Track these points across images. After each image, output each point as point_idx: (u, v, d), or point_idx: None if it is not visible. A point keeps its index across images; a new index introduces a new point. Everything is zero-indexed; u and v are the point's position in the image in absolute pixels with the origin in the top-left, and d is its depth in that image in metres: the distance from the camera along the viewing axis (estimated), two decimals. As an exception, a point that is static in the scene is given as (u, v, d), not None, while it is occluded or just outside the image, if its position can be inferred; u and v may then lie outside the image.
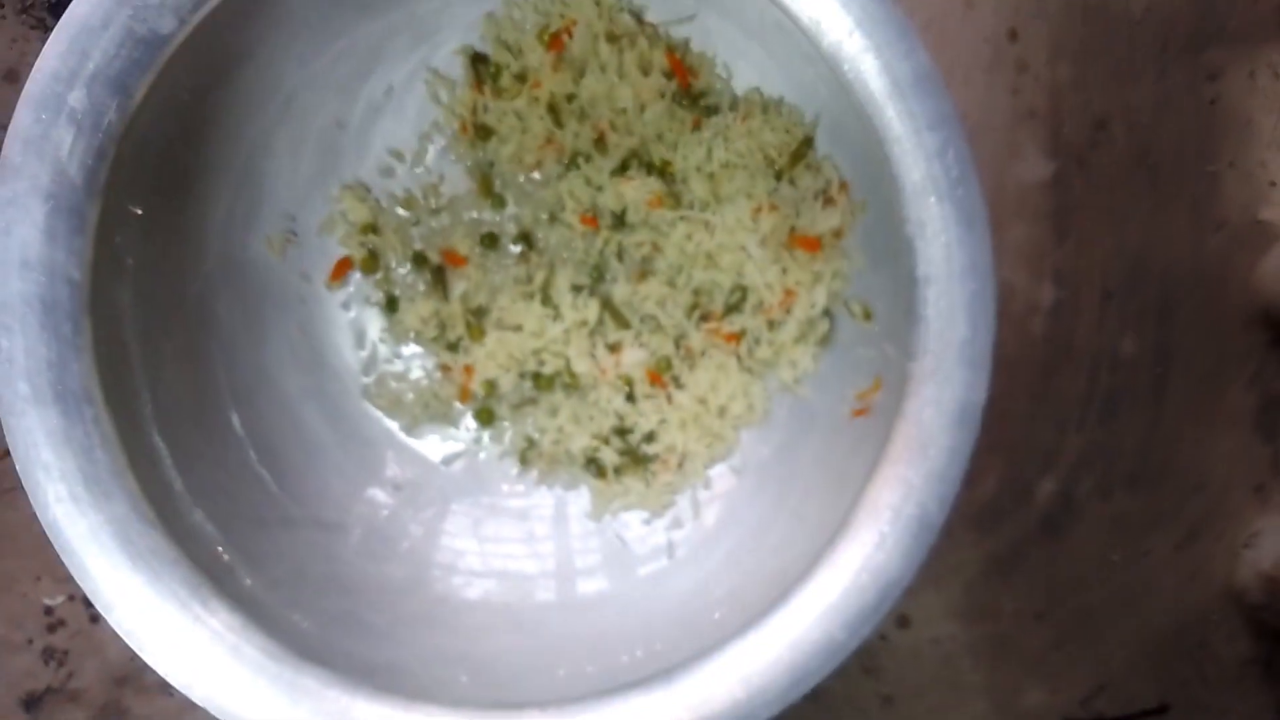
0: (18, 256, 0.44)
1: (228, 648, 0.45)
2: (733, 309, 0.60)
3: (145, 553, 0.45)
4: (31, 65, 0.45)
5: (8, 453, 0.44)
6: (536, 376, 0.62)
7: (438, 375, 0.63)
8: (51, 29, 0.68)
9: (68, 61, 0.45)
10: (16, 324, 0.44)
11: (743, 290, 0.60)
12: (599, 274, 0.62)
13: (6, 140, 0.45)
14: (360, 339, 0.63)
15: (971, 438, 0.47)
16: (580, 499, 0.63)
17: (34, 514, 0.45)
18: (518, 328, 0.61)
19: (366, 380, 0.63)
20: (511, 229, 0.63)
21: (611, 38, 0.57)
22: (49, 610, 0.70)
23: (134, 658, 0.45)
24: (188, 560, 0.46)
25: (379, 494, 0.61)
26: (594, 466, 0.62)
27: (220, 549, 0.50)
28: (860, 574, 0.47)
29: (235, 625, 0.46)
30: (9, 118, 0.45)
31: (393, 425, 0.63)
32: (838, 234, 0.58)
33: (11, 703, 0.69)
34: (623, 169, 0.59)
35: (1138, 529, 0.71)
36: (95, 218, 0.46)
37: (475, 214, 0.63)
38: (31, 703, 0.70)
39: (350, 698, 0.46)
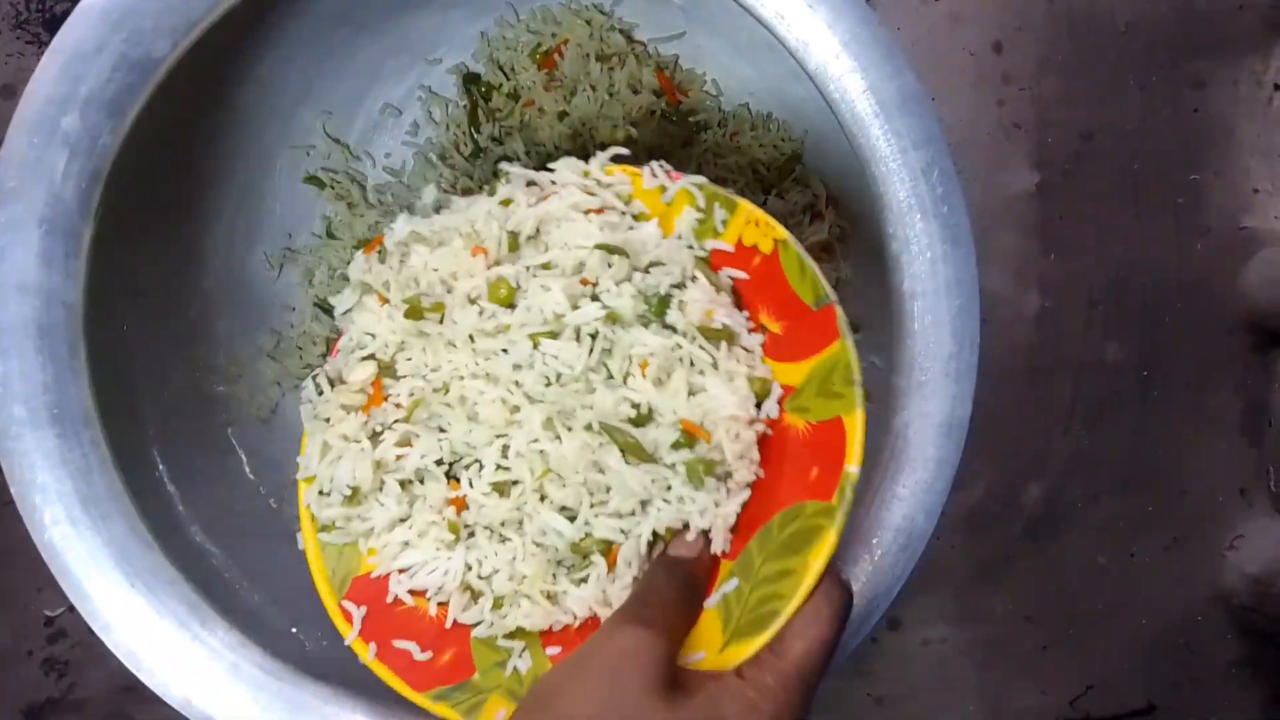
0: (13, 281, 0.44)
1: (226, 665, 0.46)
2: (723, 320, 0.61)
3: (144, 573, 0.45)
4: (28, 80, 0.45)
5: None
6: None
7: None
8: (47, 43, 0.69)
9: (60, 86, 0.45)
10: (12, 348, 0.45)
11: (733, 302, 0.60)
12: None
13: (0, 165, 0.45)
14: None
15: (958, 450, 0.48)
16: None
17: (34, 527, 0.45)
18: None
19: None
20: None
21: (602, 57, 0.58)
22: (49, 621, 0.70)
23: (135, 668, 0.45)
24: (186, 579, 0.46)
25: (376, 507, 0.62)
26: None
27: (219, 566, 0.50)
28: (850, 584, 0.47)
29: (233, 643, 0.46)
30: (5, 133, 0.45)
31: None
32: (825, 247, 0.59)
33: (14, 714, 0.70)
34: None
35: (1125, 533, 0.72)
36: (91, 240, 0.46)
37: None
38: (33, 714, 0.70)
39: (350, 714, 0.46)
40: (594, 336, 0.40)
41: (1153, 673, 0.72)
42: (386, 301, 0.44)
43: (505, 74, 0.59)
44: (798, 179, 0.59)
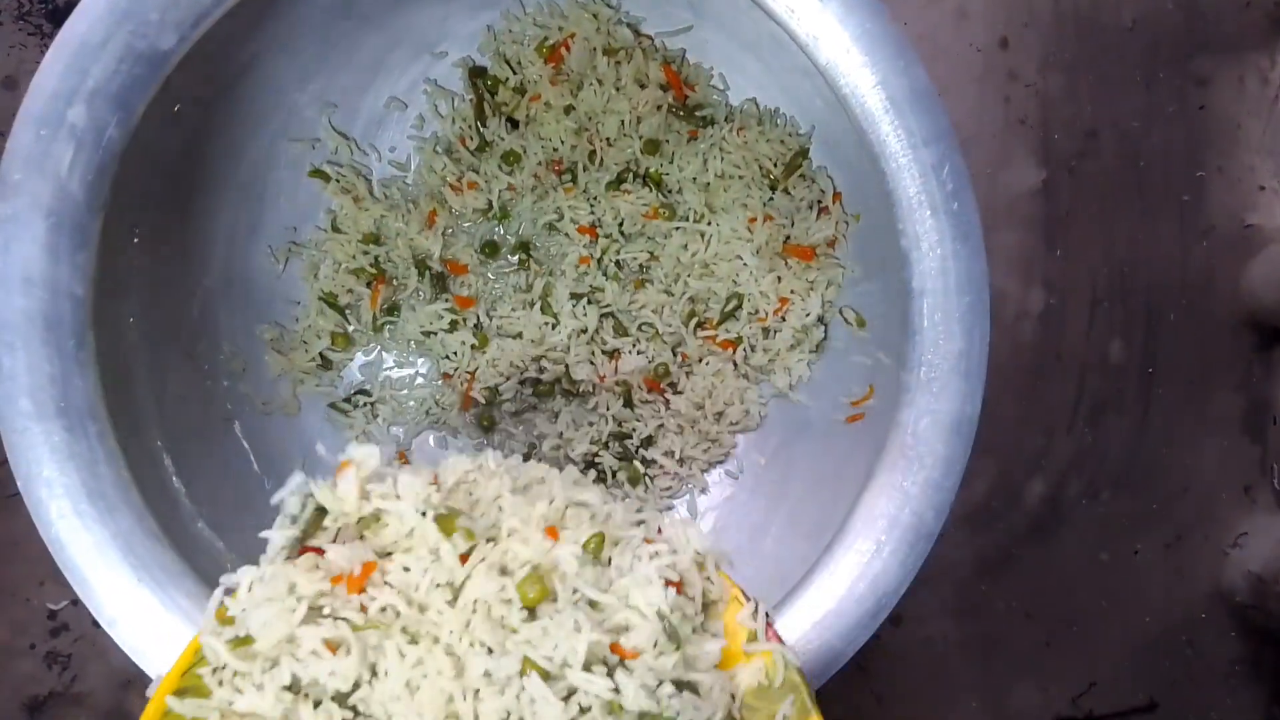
0: (19, 273, 0.44)
1: (234, 659, 0.46)
2: (729, 316, 0.61)
3: (151, 566, 0.45)
4: (30, 72, 0.45)
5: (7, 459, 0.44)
6: (536, 383, 0.62)
7: (439, 383, 0.63)
8: (49, 35, 0.68)
9: (67, 79, 0.45)
10: (19, 341, 0.44)
11: (738, 298, 0.60)
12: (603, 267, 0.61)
13: (5, 158, 0.44)
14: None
15: (967, 448, 0.48)
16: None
17: (38, 520, 0.45)
18: (518, 335, 0.61)
19: (369, 387, 0.63)
20: (510, 239, 0.63)
21: (609, 51, 0.58)
22: (52, 614, 0.70)
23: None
24: (192, 573, 0.46)
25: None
26: (594, 471, 0.62)
27: (226, 559, 0.50)
28: (857, 583, 0.47)
29: (241, 637, 0.46)
30: (8, 126, 0.45)
31: (397, 431, 0.63)
32: (831, 244, 0.59)
33: (15, 708, 0.69)
34: (619, 182, 0.60)
35: (1126, 530, 0.72)
36: (98, 233, 0.46)
37: (475, 223, 0.63)
38: (35, 707, 0.70)
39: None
40: (583, 711, 0.33)
41: (1154, 670, 0.72)
42: (437, 485, 0.37)
43: (511, 68, 0.59)
44: (804, 174, 0.58)
